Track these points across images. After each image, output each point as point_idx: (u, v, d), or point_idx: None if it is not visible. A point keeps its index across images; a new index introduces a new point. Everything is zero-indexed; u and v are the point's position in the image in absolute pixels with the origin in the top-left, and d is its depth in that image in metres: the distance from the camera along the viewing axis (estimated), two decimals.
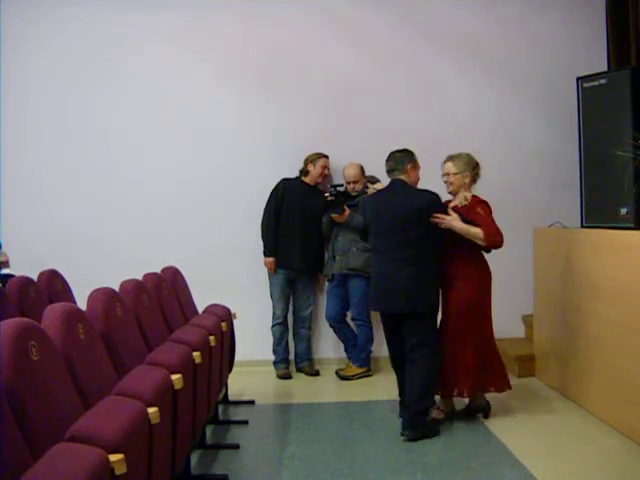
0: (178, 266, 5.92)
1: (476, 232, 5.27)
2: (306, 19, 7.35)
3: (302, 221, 6.89)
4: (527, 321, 7.27)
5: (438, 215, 5.23)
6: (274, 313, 7.13)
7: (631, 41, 7.04)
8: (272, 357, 7.14)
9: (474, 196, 5.51)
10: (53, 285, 5.44)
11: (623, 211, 5.56)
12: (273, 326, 7.14)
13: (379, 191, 5.65)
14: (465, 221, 5.28)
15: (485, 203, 5.47)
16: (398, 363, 5.46)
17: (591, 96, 5.95)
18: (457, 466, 4.58)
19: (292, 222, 6.96)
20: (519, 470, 4.44)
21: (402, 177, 5.39)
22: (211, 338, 4.37)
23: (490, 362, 5.49)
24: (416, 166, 5.52)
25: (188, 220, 7.28)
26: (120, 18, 7.23)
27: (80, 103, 7.28)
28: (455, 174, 5.49)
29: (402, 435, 5.11)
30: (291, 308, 7.24)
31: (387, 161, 5.47)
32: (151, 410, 2.83)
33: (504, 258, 7.40)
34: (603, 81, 5.85)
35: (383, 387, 6.31)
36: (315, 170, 7.04)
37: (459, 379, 5.37)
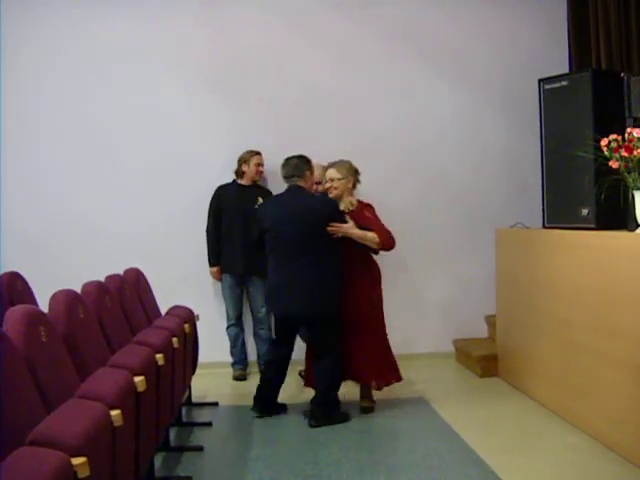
0: (140, 267, 5.88)
1: (372, 237, 5.58)
2: (268, 20, 7.37)
3: (243, 224, 6.81)
4: (490, 321, 7.32)
5: (334, 224, 5.45)
6: (227, 314, 7.13)
7: (592, 43, 7.12)
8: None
9: (359, 200, 5.80)
10: (14, 287, 5.36)
11: (584, 212, 5.61)
12: (228, 327, 7.14)
13: (276, 196, 5.88)
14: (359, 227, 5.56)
15: (370, 206, 5.79)
16: (276, 366, 5.79)
17: (552, 98, 5.99)
18: (421, 466, 4.58)
19: (233, 227, 6.92)
20: (482, 468, 4.46)
21: (300, 183, 5.60)
22: (174, 340, 4.35)
23: (388, 354, 5.93)
24: (312, 172, 5.74)
25: (151, 222, 7.25)
26: (97, 18, 7.25)
27: (61, 103, 7.28)
28: (339, 179, 5.73)
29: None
30: (249, 310, 7.24)
31: (283, 167, 5.67)
32: (114, 413, 2.81)
33: (467, 259, 7.51)
34: (564, 83, 5.89)
35: (346, 387, 6.31)
36: (250, 169, 6.99)
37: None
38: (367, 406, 5.80)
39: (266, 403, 5.76)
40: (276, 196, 5.85)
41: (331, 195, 5.77)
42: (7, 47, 7.10)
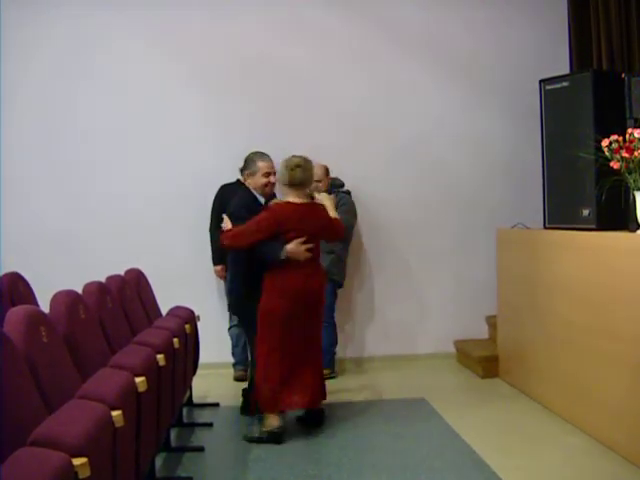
0: (141, 268, 5.88)
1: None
2: (273, 22, 7.35)
3: None
4: (491, 322, 7.32)
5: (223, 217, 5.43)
6: (230, 315, 7.10)
7: (593, 44, 7.12)
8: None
9: (277, 203, 5.35)
10: (15, 288, 5.36)
11: (585, 212, 5.61)
12: (230, 328, 7.12)
13: None
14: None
15: (271, 209, 5.26)
16: None
17: (554, 98, 6.00)
18: (422, 467, 4.58)
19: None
20: (483, 469, 4.46)
21: (242, 178, 5.72)
22: (175, 340, 4.35)
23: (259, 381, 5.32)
24: (254, 172, 5.52)
25: (151, 222, 7.25)
26: (96, 18, 7.20)
27: (59, 103, 7.26)
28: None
29: None
30: None
31: None
32: (115, 413, 2.81)
33: (468, 259, 7.51)
34: (565, 83, 5.90)
35: (347, 389, 6.32)
36: None
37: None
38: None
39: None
40: None
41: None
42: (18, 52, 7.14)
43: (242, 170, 6.65)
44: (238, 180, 6.97)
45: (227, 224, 5.31)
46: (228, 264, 5.73)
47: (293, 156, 5.31)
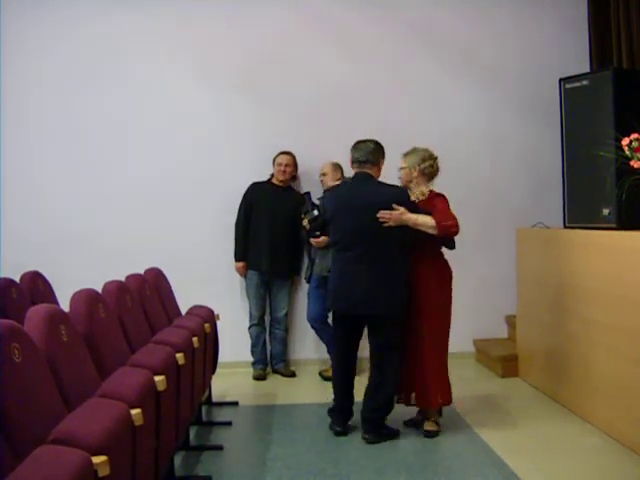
0: (161, 267, 5.89)
1: (425, 220, 4.98)
2: (292, 21, 7.37)
3: (271, 224, 6.89)
4: (510, 321, 7.29)
5: (383, 212, 4.95)
6: (250, 314, 7.13)
7: (613, 42, 7.07)
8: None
9: (431, 191, 5.26)
10: (35, 286, 5.40)
11: (605, 212, 5.58)
12: (250, 327, 7.14)
13: (340, 185, 5.34)
14: (415, 212, 5.02)
15: (442, 196, 5.22)
16: (344, 365, 5.32)
17: (574, 97, 5.97)
18: (441, 466, 4.58)
19: (262, 225, 6.95)
20: (502, 469, 4.44)
21: (372, 171, 5.14)
22: (194, 339, 4.36)
23: (445, 372, 5.43)
24: (384, 162, 5.28)
25: (171, 220, 7.25)
26: (106, 18, 7.24)
27: (69, 104, 7.28)
28: (402, 168, 5.30)
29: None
30: (268, 310, 7.25)
31: (356, 150, 5.17)
32: (134, 412, 2.82)
33: (487, 258, 7.47)
34: (585, 82, 5.87)
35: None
36: (274, 169, 7.02)
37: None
38: (432, 430, 5.23)
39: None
40: (340, 185, 5.27)
41: (401, 184, 5.32)
42: (6, 47, 7.17)
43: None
44: (269, 180, 7.01)
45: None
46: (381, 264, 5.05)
47: (418, 148, 5.33)
